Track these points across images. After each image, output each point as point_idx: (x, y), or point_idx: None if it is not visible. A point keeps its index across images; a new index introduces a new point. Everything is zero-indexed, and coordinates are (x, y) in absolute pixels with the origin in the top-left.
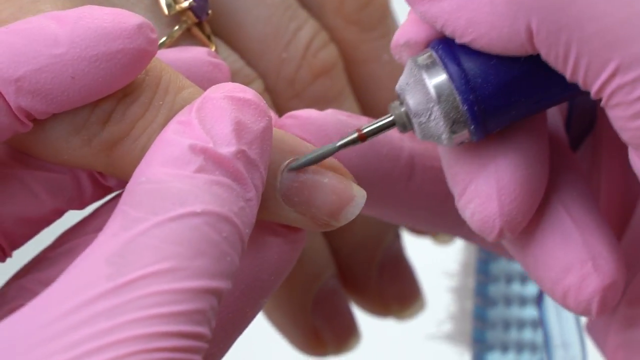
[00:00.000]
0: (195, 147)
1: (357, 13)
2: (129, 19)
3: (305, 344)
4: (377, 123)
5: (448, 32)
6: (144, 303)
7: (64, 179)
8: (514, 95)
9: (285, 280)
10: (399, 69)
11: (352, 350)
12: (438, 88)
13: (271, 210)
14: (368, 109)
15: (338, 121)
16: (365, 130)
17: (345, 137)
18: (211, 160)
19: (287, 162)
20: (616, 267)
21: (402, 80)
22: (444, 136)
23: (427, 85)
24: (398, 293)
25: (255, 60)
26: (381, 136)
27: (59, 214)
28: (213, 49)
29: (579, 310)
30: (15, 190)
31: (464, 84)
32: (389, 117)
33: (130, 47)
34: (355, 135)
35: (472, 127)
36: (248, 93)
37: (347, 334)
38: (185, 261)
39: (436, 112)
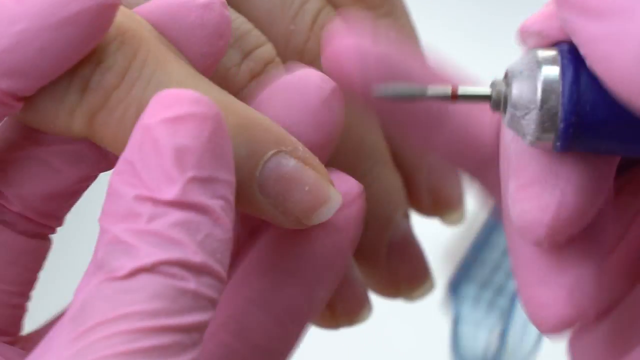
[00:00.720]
0: (140, 197)
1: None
2: None
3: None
4: (473, 90)
5: (581, 52)
6: (101, 345)
7: (80, 148)
8: (613, 136)
9: None
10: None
11: (364, 321)
12: (546, 94)
13: (245, 198)
14: None
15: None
16: (459, 92)
17: (439, 89)
18: (160, 205)
19: (272, 152)
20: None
21: (516, 65)
22: (528, 137)
23: (537, 86)
24: (407, 273)
25: (264, 32)
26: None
27: (88, 180)
28: None
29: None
30: (34, 169)
31: (573, 104)
32: (487, 90)
33: (87, 5)
34: (449, 92)
35: (558, 143)
36: (183, 105)
37: (358, 305)
38: (138, 305)
39: (533, 114)
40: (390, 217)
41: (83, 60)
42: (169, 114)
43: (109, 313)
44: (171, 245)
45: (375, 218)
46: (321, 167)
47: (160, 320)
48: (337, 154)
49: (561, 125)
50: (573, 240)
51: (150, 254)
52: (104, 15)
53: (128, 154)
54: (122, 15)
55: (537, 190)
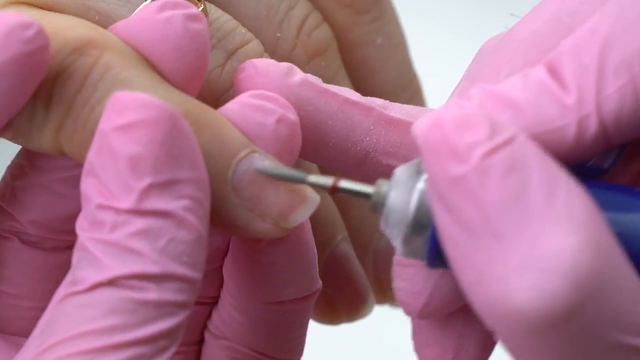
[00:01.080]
0: (102, 205)
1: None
2: None
3: (316, 312)
4: (354, 187)
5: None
6: None
7: (78, 171)
8: None
9: None
10: (393, 53)
11: (365, 316)
12: (418, 216)
13: (219, 202)
14: (361, 93)
15: (288, 87)
16: (340, 186)
17: (320, 179)
18: (122, 213)
19: (245, 152)
20: None
21: (402, 171)
22: (397, 250)
23: (411, 206)
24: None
25: None
26: (356, 114)
27: None
28: (201, 8)
29: None
30: (40, 196)
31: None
32: (369, 189)
33: (6, 57)
34: (330, 184)
35: (426, 263)
36: (134, 110)
37: (359, 301)
38: (96, 322)
39: (402, 233)
40: (376, 226)
41: (43, 77)
42: (121, 121)
43: (68, 331)
44: (130, 256)
45: (363, 227)
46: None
47: (116, 336)
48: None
49: (427, 255)
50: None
51: (110, 268)
52: (27, 62)
53: (91, 156)
54: (86, 28)
55: (413, 273)
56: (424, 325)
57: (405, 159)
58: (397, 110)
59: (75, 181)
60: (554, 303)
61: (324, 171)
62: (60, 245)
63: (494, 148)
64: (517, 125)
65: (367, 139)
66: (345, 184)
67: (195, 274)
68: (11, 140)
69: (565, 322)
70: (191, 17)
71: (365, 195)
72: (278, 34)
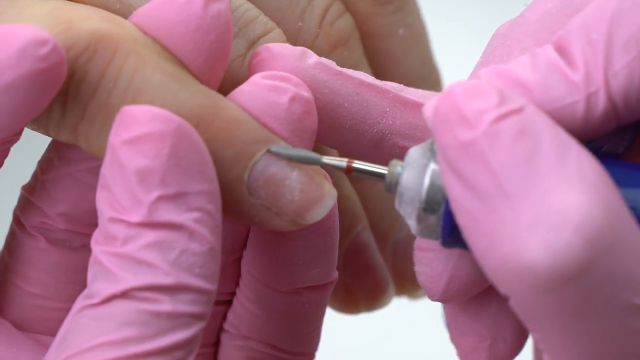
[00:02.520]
0: (114, 219)
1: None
2: (10, 46)
3: (336, 301)
4: (369, 167)
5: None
6: None
7: None
8: None
9: None
10: (415, 44)
11: (384, 306)
12: (431, 194)
13: (236, 202)
14: None
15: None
16: (354, 166)
17: (334, 160)
18: (133, 227)
19: (260, 153)
20: (510, 352)
21: (416, 151)
22: (412, 228)
23: (424, 184)
24: (412, 272)
25: None
26: (372, 96)
27: None
28: None
29: None
30: (69, 187)
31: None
32: (383, 170)
33: (21, 74)
34: (344, 164)
35: (440, 241)
36: (141, 124)
37: (379, 290)
38: (111, 334)
39: (416, 210)
40: (396, 217)
41: None
42: (129, 135)
43: (84, 343)
44: (143, 268)
45: (383, 218)
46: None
47: (131, 348)
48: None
49: (441, 232)
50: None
51: (123, 280)
52: (41, 78)
53: (104, 169)
54: (101, 21)
55: (432, 257)
56: (457, 315)
57: (421, 141)
58: (412, 93)
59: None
60: (564, 258)
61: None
62: (87, 243)
63: (504, 114)
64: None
65: (384, 120)
66: (359, 164)
67: (209, 286)
68: (32, 129)
69: (576, 279)
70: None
71: (379, 175)
72: (300, 23)
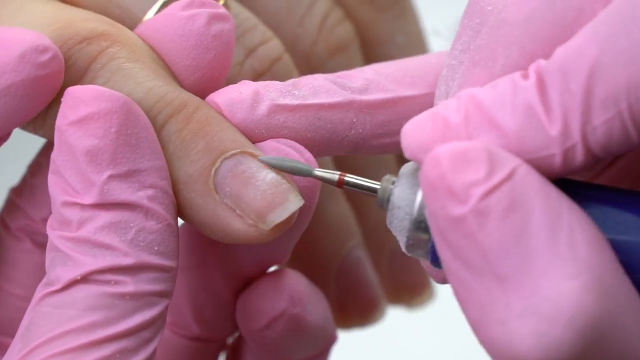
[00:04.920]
0: (67, 203)
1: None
2: (11, 50)
3: None
4: (361, 181)
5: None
6: None
7: None
8: None
9: (308, 249)
10: (413, 52)
11: (376, 322)
12: (422, 212)
13: (201, 198)
14: None
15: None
16: (346, 179)
17: (326, 173)
18: (87, 209)
19: (234, 151)
20: None
21: (408, 167)
22: (401, 243)
23: (416, 201)
24: (409, 282)
25: None
26: (334, 114)
27: None
28: (222, 2)
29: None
30: None
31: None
32: (375, 185)
33: (19, 79)
34: (336, 177)
35: (430, 262)
36: (87, 104)
37: (370, 307)
38: (74, 321)
39: (406, 229)
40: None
41: None
42: (75, 116)
43: (49, 332)
44: (101, 250)
45: (379, 226)
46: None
47: (98, 332)
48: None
49: (430, 252)
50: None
51: (82, 264)
52: (39, 85)
53: (53, 154)
54: (99, 22)
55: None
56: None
57: (397, 134)
58: (379, 88)
59: None
60: (555, 352)
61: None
62: None
63: (493, 187)
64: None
65: (352, 132)
66: (351, 179)
67: (170, 262)
68: (21, 128)
69: None
70: (216, 17)
71: (371, 190)
72: (299, 30)
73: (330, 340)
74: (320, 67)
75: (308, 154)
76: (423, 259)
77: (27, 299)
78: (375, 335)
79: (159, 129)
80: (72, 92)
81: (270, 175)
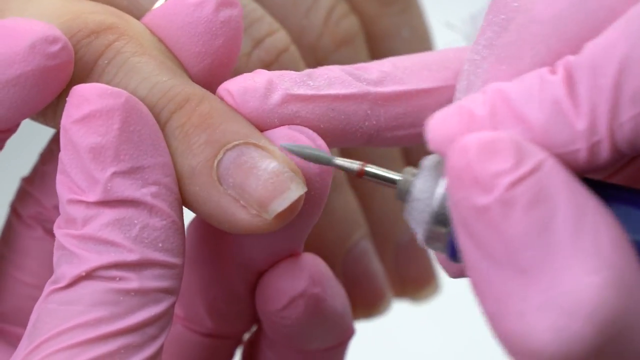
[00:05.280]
0: (72, 201)
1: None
2: (21, 40)
3: None
4: (382, 172)
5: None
6: None
7: None
8: None
9: (314, 240)
10: (419, 46)
11: (381, 314)
12: (442, 206)
13: (205, 190)
14: None
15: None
16: (367, 170)
17: (347, 163)
18: (91, 206)
19: (236, 142)
20: None
21: (432, 159)
22: (419, 237)
23: (435, 194)
24: (414, 275)
25: None
26: (348, 105)
27: None
28: None
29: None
30: None
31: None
32: (396, 176)
33: (28, 69)
34: (356, 168)
35: (448, 257)
36: (90, 102)
37: (376, 298)
38: (80, 317)
39: (425, 223)
40: (398, 218)
41: None
42: (79, 114)
43: (55, 327)
44: (106, 247)
45: (384, 219)
46: (290, 161)
47: (103, 328)
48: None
49: (449, 247)
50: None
51: (87, 260)
52: (49, 76)
53: (60, 154)
54: (107, 15)
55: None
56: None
57: (412, 126)
58: (395, 80)
59: None
60: (573, 346)
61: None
62: None
63: (519, 178)
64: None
65: (367, 123)
66: (372, 169)
67: (175, 259)
68: (32, 119)
69: None
70: (224, 3)
71: (391, 181)
72: (305, 22)
73: (348, 332)
74: (325, 60)
75: (320, 141)
76: (440, 252)
77: (38, 287)
78: (379, 329)
79: (163, 125)
80: (77, 90)
81: (272, 165)
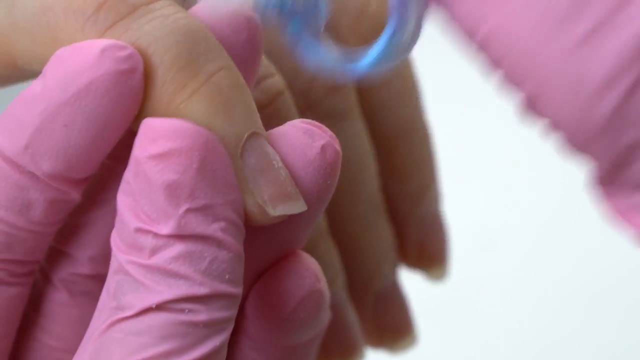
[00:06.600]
0: (141, 230)
1: (371, 34)
2: (91, 49)
3: None
4: None
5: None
6: None
7: None
8: None
9: None
10: (409, 96)
11: None
12: None
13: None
14: (376, 136)
15: None
16: None
17: None
18: (161, 238)
19: (249, 132)
20: None
21: None
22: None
23: None
24: (392, 324)
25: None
26: None
27: None
28: None
29: None
30: (99, 230)
31: None
32: None
33: (99, 74)
34: None
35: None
36: (169, 139)
37: (351, 349)
38: (149, 350)
39: None
40: (379, 266)
41: None
42: (156, 150)
43: (123, 359)
44: (176, 280)
45: (364, 266)
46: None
47: None
48: (334, 195)
49: None
50: None
51: (157, 292)
52: (119, 81)
53: (128, 176)
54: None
55: None
56: None
57: None
58: None
59: None
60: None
61: None
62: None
63: None
64: None
65: None
66: None
67: (238, 289)
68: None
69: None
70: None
71: None
72: (299, 66)
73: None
74: (317, 104)
75: (330, 132)
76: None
77: (63, 351)
78: None
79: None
80: (150, 124)
81: (286, 170)
